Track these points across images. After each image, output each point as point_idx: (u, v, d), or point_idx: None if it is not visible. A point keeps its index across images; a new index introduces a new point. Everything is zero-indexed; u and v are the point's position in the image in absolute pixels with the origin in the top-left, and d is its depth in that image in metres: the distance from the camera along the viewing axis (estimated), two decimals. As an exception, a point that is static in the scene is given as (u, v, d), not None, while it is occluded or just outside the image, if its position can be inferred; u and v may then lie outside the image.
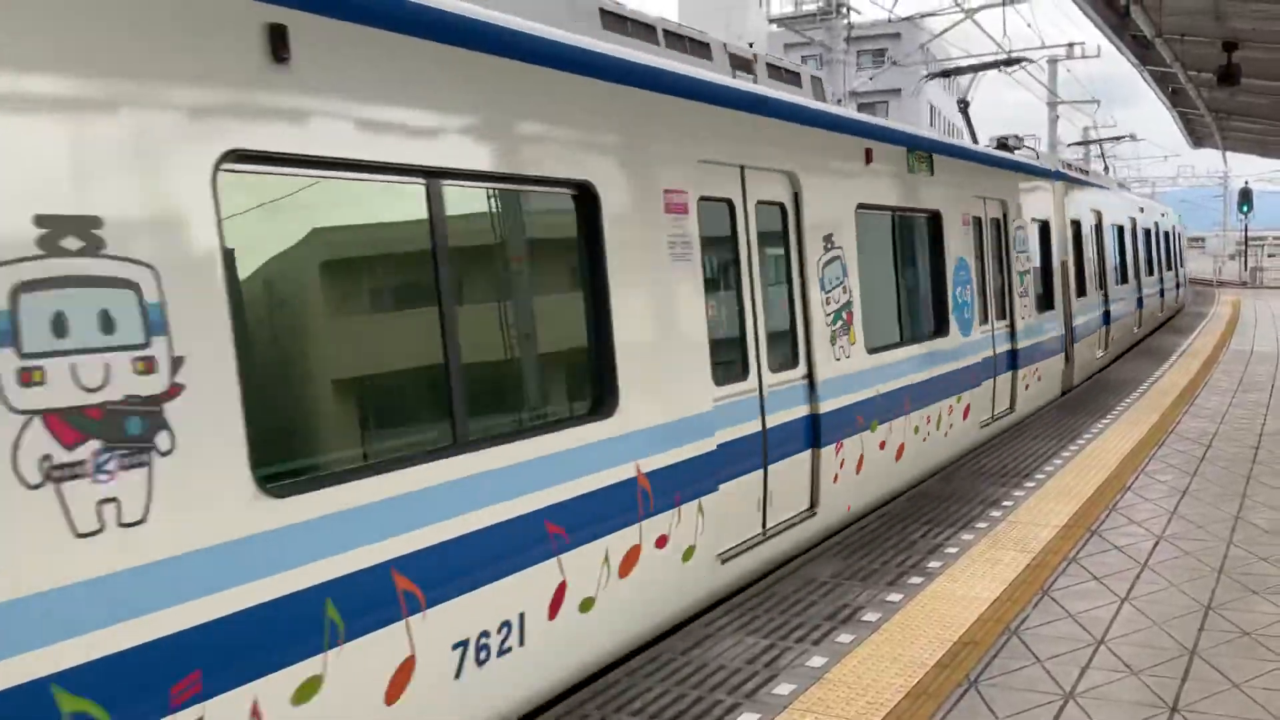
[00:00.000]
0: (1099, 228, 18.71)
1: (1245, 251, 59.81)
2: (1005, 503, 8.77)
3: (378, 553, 4.26)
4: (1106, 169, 32.41)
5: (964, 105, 17.78)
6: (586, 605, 5.48)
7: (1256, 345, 21.52)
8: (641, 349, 6.02)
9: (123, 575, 3.37)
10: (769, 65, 8.63)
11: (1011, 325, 12.94)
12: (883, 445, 9.02)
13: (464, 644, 4.70)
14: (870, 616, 6.20)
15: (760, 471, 7.21)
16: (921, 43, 28.18)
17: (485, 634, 4.81)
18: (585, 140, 5.80)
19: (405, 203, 4.78)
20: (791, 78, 9.02)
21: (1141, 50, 18.18)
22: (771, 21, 23.95)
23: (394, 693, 4.33)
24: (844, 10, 21.90)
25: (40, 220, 3.22)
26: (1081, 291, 16.80)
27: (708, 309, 6.63)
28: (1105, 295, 18.76)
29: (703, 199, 6.72)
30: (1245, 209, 49.23)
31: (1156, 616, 6.07)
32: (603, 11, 6.69)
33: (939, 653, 5.62)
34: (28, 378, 3.17)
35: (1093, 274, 17.80)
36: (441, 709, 4.59)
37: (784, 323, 7.78)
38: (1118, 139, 41.47)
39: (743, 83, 7.81)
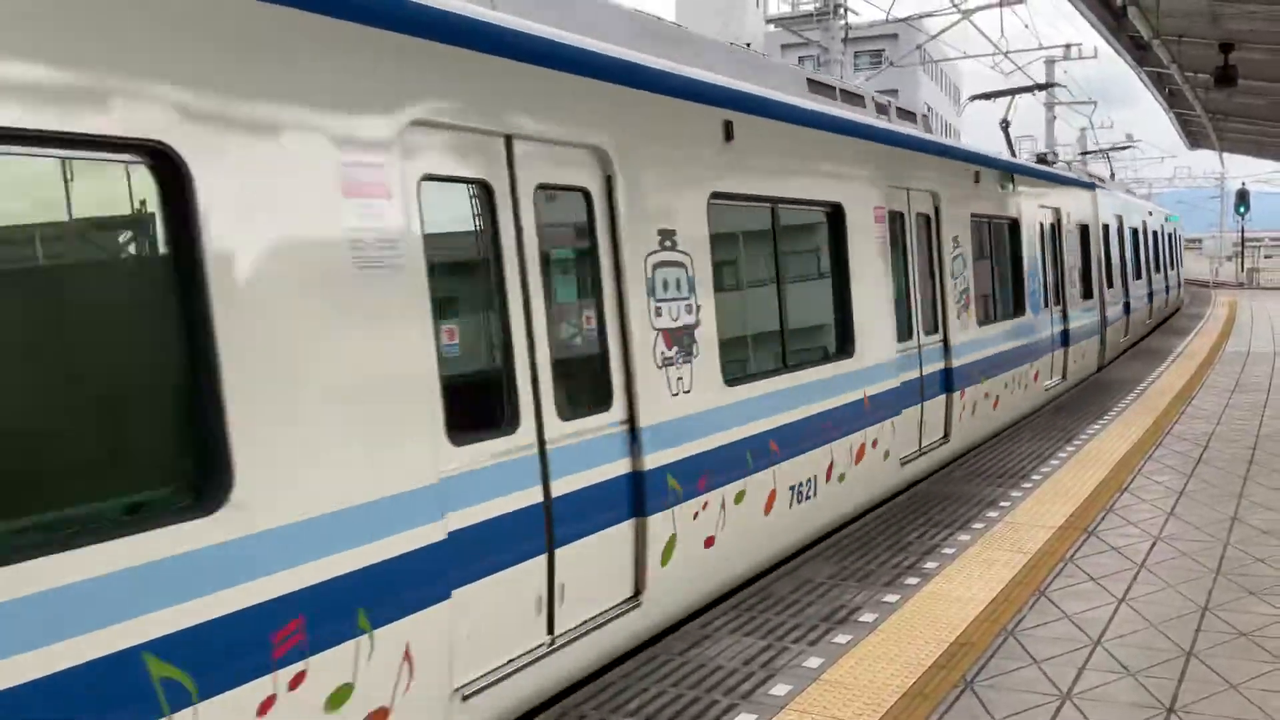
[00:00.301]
0: (1120, 230, 21.59)
1: (1242, 253, 59.86)
2: (1002, 503, 8.77)
3: (765, 424, 7.26)
4: (1113, 175, 32.75)
5: (1005, 125, 19.72)
6: (841, 478, 8.42)
7: (1253, 346, 21.55)
8: (865, 313, 8.96)
9: (686, 419, 6.38)
10: (897, 109, 11.44)
11: (1064, 311, 15.84)
12: (987, 395, 12.04)
13: (793, 488, 7.67)
14: (867, 617, 6.20)
15: (919, 406, 10.14)
16: (918, 43, 28.20)
17: (801, 484, 7.78)
18: (839, 174, 8.79)
19: (763, 220, 7.83)
20: (910, 116, 11.87)
21: (1139, 51, 18.19)
22: (769, 22, 23.93)
23: (766, 510, 7.33)
24: (841, 11, 21.87)
25: (659, 231, 6.29)
26: (1110, 285, 19.71)
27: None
28: (1126, 289, 21.68)
29: (890, 212, 9.69)
30: (1242, 210, 49.32)
31: (1153, 617, 6.07)
32: (809, 80, 9.54)
33: (935, 654, 5.62)
34: (657, 312, 6.21)
35: (1117, 270, 20.78)
36: (784, 525, 7.56)
37: (929, 300, 10.69)
38: (1124, 147, 42.97)
39: (905, 127, 11.02)
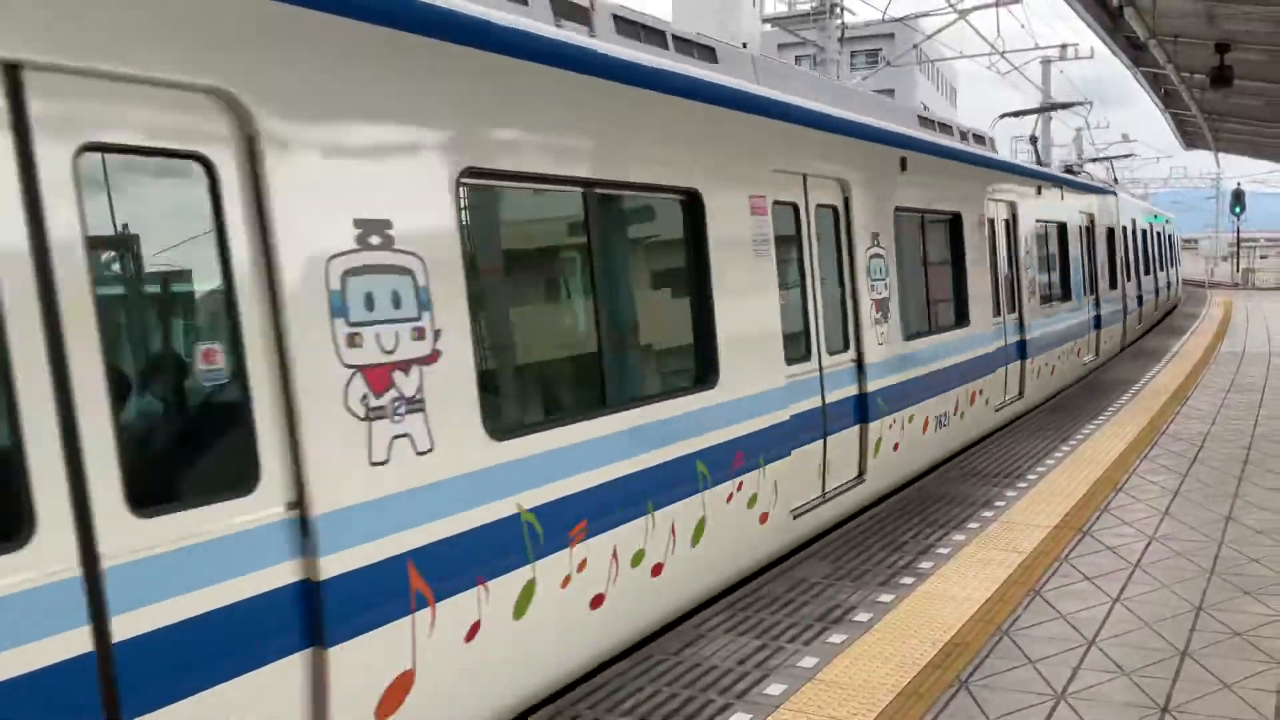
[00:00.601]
0: (1134, 231, 24.72)
1: (1238, 253, 59.93)
2: (997, 503, 8.77)
3: (925, 369, 10.25)
4: (1116, 180, 33.49)
5: (1034, 140, 22.38)
6: (961, 415, 11.42)
7: (1248, 347, 21.57)
8: (974, 294, 12.01)
9: (885, 360, 9.26)
10: (974, 134, 14.26)
11: (1096, 299, 18.87)
12: (1046, 364, 15.07)
13: (937, 418, 10.62)
14: (862, 617, 6.19)
15: (1004, 369, 13.11)
16: (915, 43, 28.19)
17: (940, 416, 10.72)
18: (960, 191, 11.85)
19: (918, 225, 10.79)
20: (981, 139, 14.67)
21: (1135, 52, 18.20)
22: (765, 21, 23.89)
23: (924, 430, 10.28)
24: (838, 10, 21.84)
25: (871, 234, 9.16)
26: (1129, 278, 22.99)
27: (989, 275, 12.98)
28: (1139, 283, 24.79)
29: (999, 220, 13.34)
30: (1238, 210, 49.34)
31: (1148, 617, 6.07)
32: (919, 117, 12.37)
33: (930, 653, 5.61)
34: (871, 288, 9.19)
35: (1133, 266, 24.04)
36: (932, 443, 10.52)
37: (1008, 285, 13.58)
38: (1126, 155, 47.04)
39: (979, 148, 13.99)
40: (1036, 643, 5.73)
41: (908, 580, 6.84)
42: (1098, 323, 18.84)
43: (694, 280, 6.84)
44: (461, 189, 4.86)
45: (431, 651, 4.47)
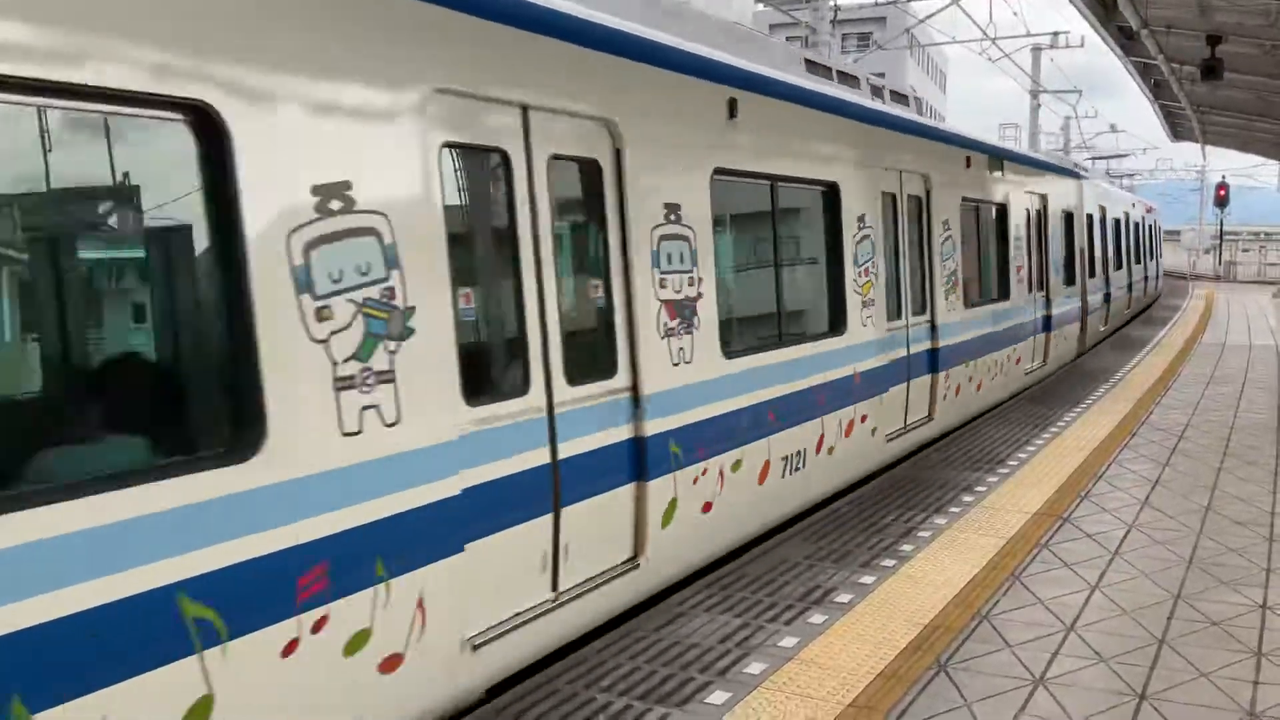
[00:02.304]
0: (1147, 225, 30.42)
1: (1220, 246, 60.24)
2: (979, 488, 8.80)
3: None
4: (1126, 189, 35.64)
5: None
6: (1020, 361, 14.84)
7: (1229, 339, 21.68)
8: (1022, 274, 14.98)
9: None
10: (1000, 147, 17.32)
11: (1107, 278, 22.39)
12: (1062, 333, 17.65)
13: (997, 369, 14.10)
14: (843, 598, 6.21)
15: (1033, 337, 15.65)
16: (907, 27, 28.12)
17: (996, 367, 13.56)
18: (1030, 187, 15.78)
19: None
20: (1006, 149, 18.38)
21: (1126, 41, 18.20)
22: (758, 1, 23.89)
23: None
24: (831, -8, 21.71)
25: (944, 222, 11.70)
26: (1141, 259, 28.94)
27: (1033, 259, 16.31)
28: (1135, 268, 28.88)
29: (1033, 210, 16.09)
30: (1223, 207, 49.79)
31: (1126, 605, 6.10)
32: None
33: (910, 635, 5.63)
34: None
35: (1146, 252, 30.53)
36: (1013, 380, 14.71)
37: (1039, 267, 16.38)
38: (1130, 174, 52.15)
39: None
40: (1015, 627, 5.76)
41: (889, 562, 6.86)
42: (1107, 300, 21.93)
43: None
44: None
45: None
